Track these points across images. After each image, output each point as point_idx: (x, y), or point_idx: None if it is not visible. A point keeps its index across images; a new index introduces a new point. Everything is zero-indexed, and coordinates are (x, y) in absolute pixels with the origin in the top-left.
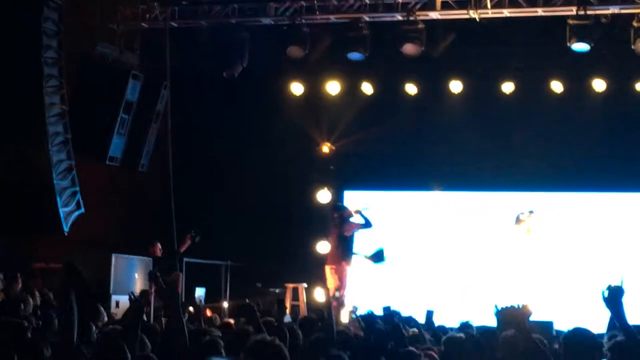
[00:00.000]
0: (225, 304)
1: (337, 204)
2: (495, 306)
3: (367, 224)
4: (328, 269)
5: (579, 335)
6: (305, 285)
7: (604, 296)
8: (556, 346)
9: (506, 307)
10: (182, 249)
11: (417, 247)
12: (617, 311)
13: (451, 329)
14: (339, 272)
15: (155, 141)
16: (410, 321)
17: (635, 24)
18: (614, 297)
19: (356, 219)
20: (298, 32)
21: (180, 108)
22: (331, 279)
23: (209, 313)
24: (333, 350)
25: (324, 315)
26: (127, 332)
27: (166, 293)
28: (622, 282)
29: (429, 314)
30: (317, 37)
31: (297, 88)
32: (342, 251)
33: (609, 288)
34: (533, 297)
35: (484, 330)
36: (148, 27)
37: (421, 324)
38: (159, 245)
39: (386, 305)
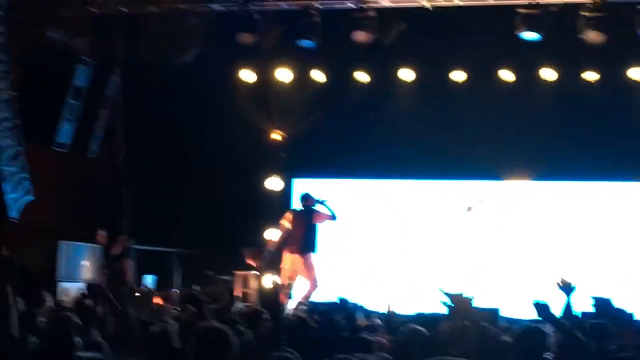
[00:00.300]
0: (176, 293)
1: (306, 193)
2: (441, 290)
3: (333, 217)
4: (289, 256)
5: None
6: (255, 272)
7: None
8: (504, 338)
9: (453, 294)
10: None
11: (368, 235)
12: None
13: (407, 316)
14: (305, 263)
15: (106, 128)
16: (363, 311)
17: (584, 13)
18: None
19: (322, 209)
20: (249, 19)
21: (130, 94)
22: (289, 266)
23: (159, 301)
24: (282, 349)
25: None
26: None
27: (115, 282)
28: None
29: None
30: (268, 24)
31: (248, 75)
32: (309, 241)
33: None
34: (482, 284)
35: (434, 319)
36: (99, 13)
37: (378, 313)
38: (105, 234)
39: (340, 295)
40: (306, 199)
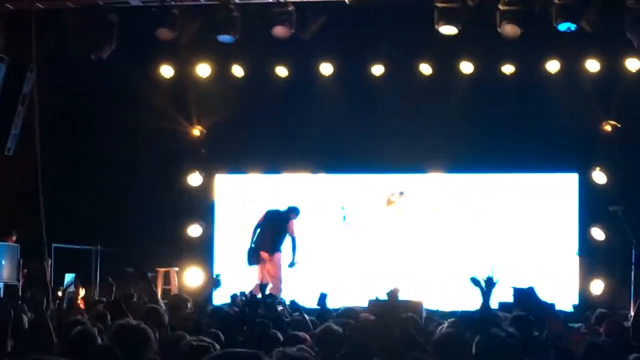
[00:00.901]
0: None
1: (295, 207)
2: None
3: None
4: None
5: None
6: (176, 269)
7: (476, 281)
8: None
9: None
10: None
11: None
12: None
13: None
14: (273, 262)
15: (23, 125)
16: (294, 306)
17: (501, 7)
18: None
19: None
20: (167, 14)
21: (48, 91)
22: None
23: (80, 300)
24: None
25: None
26: None
27: (33, 282)
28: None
29: (322, 297)
30: (187, 19)
31: (167, 71)
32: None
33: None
34: (403, 277)
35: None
36: (13, 9)
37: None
38: (14, 237)
39: (263, 284)
40: (293, 212)
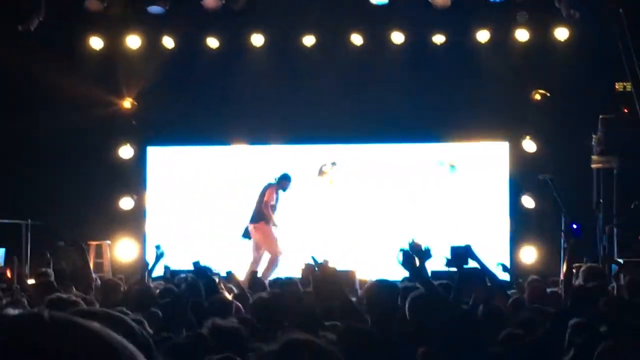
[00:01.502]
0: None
1: (285, 174)
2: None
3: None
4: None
5: (380, 286)
6: (108, 242)
7: (399, 260)
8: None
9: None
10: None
11: (223, 202)
12: (417, 271)
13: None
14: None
15: None
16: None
17: None
18: (409, 260)
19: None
20: None
21: None
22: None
23: (9, 275)
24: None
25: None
26: None
27: None
28: (410, 244)
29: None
30: None
31: (96, 42)
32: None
33: (404, 251)
34: (337, 248)
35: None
36: None
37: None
38: None
39: (195, 260)
40: (276, 179)
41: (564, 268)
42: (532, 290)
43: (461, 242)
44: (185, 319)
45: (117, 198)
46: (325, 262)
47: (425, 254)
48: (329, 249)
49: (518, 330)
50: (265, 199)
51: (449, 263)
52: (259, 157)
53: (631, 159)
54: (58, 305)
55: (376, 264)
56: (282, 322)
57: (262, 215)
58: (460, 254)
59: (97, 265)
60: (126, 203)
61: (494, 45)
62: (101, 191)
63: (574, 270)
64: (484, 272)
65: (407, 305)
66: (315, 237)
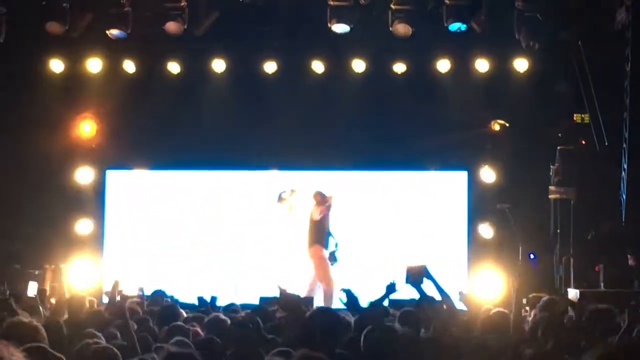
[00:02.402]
0: None
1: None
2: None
3: None
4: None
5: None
6: (65, 265)
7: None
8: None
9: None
10: None
11: (181, 226)
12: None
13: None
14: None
15: None
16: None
17: (393, 6)
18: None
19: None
20: (57, 7)
21: None
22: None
23: None
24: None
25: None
26: None
27: None
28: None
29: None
30: (78, 13)
31: (57, 65)
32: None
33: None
34: (294, 274)
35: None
36: None
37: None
38: None
39: (158, 288)
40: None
41: (513, 298)
42: (486, 319)
43: (417, 263)
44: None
45: (75, 221)
46: (283, 289)
47: (390, 288)
48: (288, 275)
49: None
50: (311, 219)
51: (406, 280)
52: (218, 183)
53: (588, 190)
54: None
55: (336, 290)
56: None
57: (312, 239)
58: (417, 273)
59: (53, 288)
60: (84, 226)
61: (454, 74)
62: (59, 214)
63: (524, 300)
64: (439, 293)
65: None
66: (275, 263)
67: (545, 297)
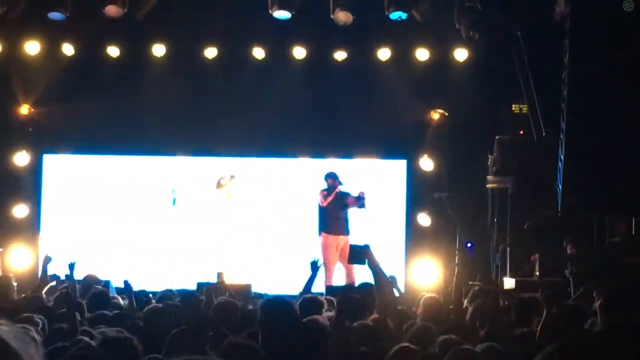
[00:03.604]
0: None
1: (332, 172)
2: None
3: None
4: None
5: (275, 302)
6: (1, 249)
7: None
8: (250, 307)
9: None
10: None
11: (119, 211)
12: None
13: (153, 293)
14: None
15: None
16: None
17: None
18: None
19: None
20: None
21: None
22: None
23: None
24: None
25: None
26: None
27: None
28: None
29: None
30: None
31: None
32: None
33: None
34: (232, 260)
35: (185, 294)
36: None
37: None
38: None
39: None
40: (329, 178)
41: (453, 286)
42: (426, 307)
43: (360, 242)
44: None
45: (12, 205)
46: (220, 274)
47: (314, 266)
48: (226, 261)
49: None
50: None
51: (349, 260)
52: (157, 168)
53: (525, 180)
54: None
55: (273, 276)
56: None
57: (319, 226)
58: (359, 252)
59: None
60: (20, 211)
61: (395, 63)
62: None
63: (462, 289)
64: (374, 276)
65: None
66: (213, 250)
67: (476, 288)
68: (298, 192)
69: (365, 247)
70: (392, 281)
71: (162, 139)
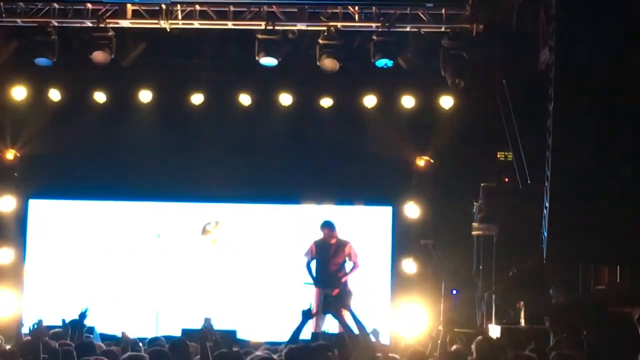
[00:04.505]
0: None
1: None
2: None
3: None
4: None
5: None
6: None
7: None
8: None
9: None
10: None
11: (105, 258)
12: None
13: (141, 339)
14: None
15: None
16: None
17: (320, 41)
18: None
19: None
20: None
21: None
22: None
23: None
24: None
25: None
26: None
27: None
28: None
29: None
30: (3, 40)
31: None
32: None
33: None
34: (217, 307)
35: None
36: None
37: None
38: None
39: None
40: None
41: (440, 335)
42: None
43: (333, 292)
44: None
45: None
46: (209, 319)
47: (306, 314)
48: (211, 308)
49: None
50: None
51: (324, 311)
52: (142, 214)
53: (510, 227)
54: None
55: (259, 323)
56: None
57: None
58: (331, 303)
59: None
60: (5, 256)
61: (381, 110)
62: None
63: (447, 338)
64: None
65: None
66: (198, 296)
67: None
68: (283, 238)
69: (342, 299)
70: (371, 334)
71: (148, 184)
